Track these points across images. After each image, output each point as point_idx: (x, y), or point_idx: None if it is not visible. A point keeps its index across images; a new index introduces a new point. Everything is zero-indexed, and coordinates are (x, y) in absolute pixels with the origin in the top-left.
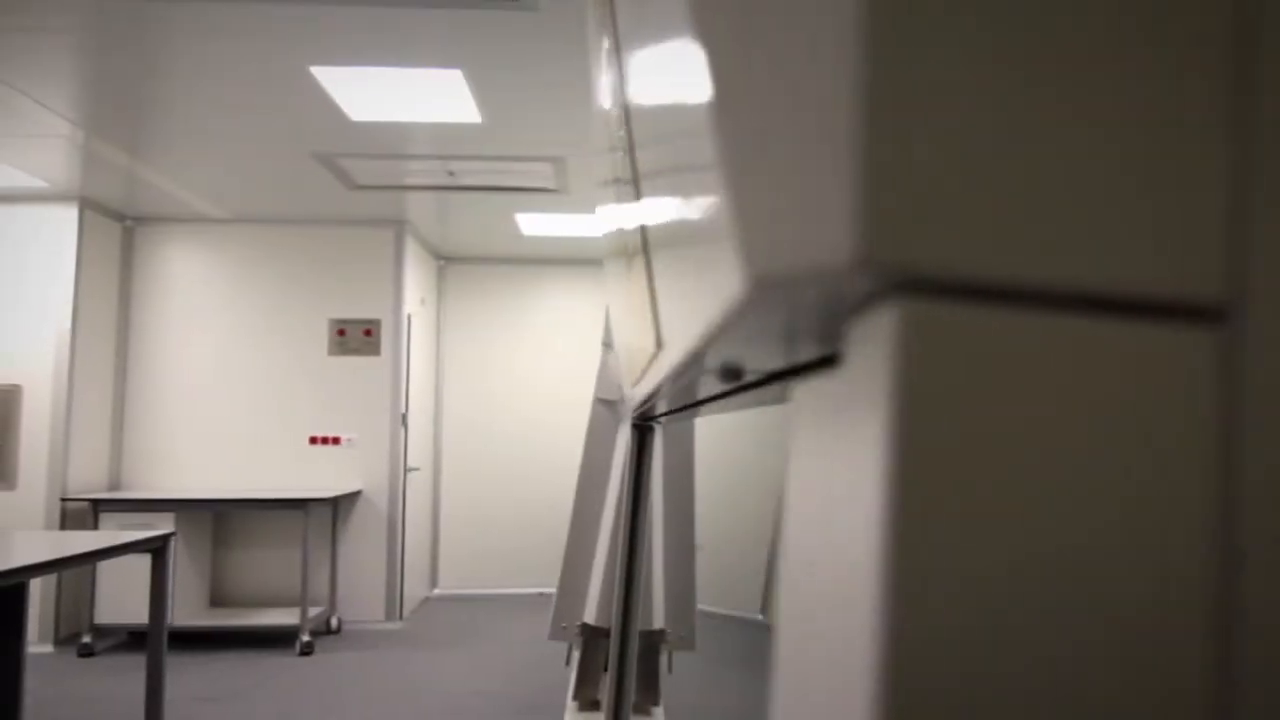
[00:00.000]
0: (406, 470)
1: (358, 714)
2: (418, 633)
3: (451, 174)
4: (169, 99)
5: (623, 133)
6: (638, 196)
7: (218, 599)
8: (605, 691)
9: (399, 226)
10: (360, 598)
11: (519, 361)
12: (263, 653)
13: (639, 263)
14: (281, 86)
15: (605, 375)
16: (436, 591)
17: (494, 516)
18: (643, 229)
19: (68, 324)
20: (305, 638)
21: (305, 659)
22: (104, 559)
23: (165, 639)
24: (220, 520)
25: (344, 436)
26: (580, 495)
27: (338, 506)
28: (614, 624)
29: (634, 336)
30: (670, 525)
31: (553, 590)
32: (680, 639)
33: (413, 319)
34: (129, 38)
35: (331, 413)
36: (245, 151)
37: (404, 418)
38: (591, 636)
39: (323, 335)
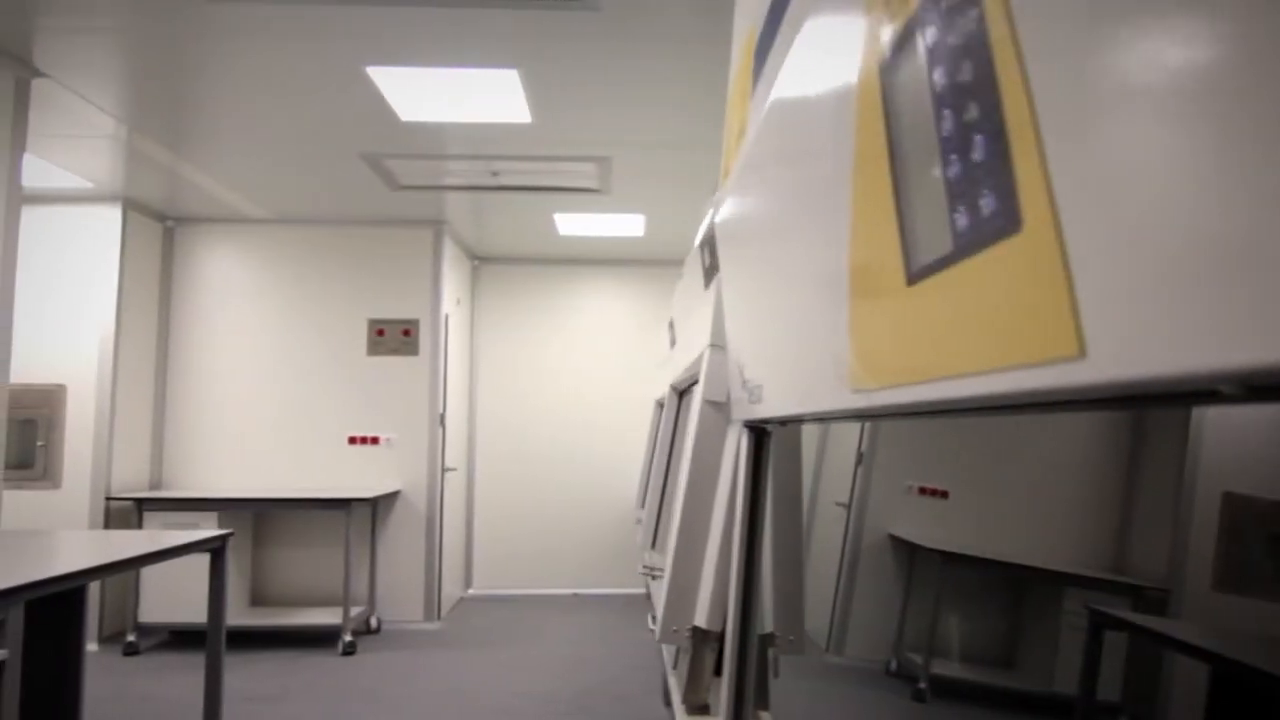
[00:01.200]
0: (444, 470)
1: (408, 716)
2: (457, 633)
3: (495, 174)
4: (220, 99)
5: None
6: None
7: (258, 598)
8: (718, 695)
9: (438, 226)
10: (399, 598)
11: (553, 362)
12: (305, 652)
13: (1021, 258)
14: (335, 87)
15: (714, 376)
16: (471, 592)
17: (527, 517)
18: (1058, 224)
19: (111, 324)
20: (348, 638)
21: (348, 659)
22: (167, 559)
23: (224, 637)
24: (260, 520)
25: (383, 436)
26: (689, 498)
27: (377, 506)
28: (731, 627)
29: (870, 337)
30: (778, 527)
31: (587, 592)
32: (790, 642)
33: (449, 319)
34: (182, 37)
35: (370, 413)
36: (292, 152)
37: (442, 418)
38: (701, 640)
39: (361, 335)
